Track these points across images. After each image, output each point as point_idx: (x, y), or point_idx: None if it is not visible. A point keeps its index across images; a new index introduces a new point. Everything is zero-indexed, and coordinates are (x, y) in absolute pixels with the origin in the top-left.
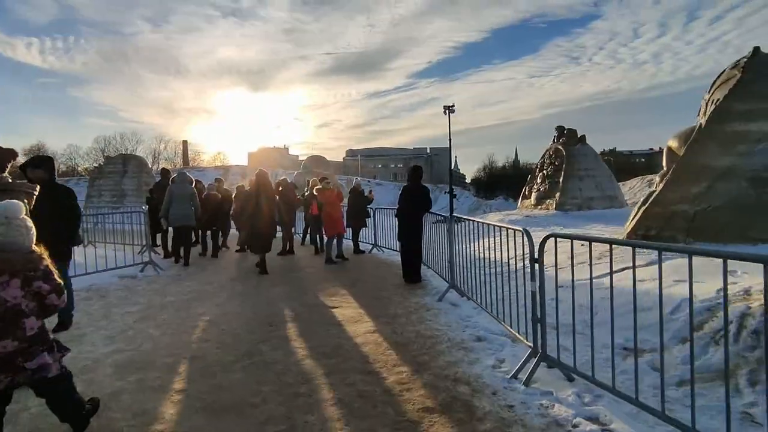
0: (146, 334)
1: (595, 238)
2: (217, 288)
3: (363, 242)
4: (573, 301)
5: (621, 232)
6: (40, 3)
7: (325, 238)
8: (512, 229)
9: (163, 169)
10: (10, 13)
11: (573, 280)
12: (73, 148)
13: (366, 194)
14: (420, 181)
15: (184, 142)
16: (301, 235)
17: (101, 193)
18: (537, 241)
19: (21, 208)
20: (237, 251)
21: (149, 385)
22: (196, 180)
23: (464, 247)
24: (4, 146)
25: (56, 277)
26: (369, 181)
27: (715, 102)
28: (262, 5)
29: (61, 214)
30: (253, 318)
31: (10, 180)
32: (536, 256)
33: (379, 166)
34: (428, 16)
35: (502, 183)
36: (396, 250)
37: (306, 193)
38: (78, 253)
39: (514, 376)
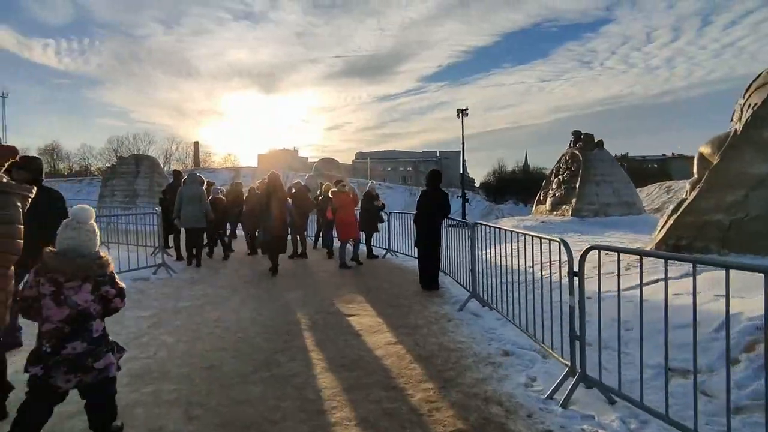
0: (160, 341)
1: (645, 252)
2: (230, 292)
3: (376, 247)
4: (619, 316)
5: (643, 240)
6: (56, 4)
7: (338, 242)
8: (547, 239)
9: (176, 170)
10: (28, 13)
11: (619, 294)
12: (86, 148)
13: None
14: (439, 186)
15: (196, 144)
16: (314, 238)
17: (114, 193)
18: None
19: (91, 213)
20: (248, 254)
21: (165, 398)
22: (208, 181)
23: (485, 254)
24: (17, 146)
25: (119, 281)
26: (380, 184)
27: (752, 106)
28: (274, 9)
29: (47, 219)
30: (269, 325)
31: (4, 180)
32: (575, 268)
33: (389, 169)
34: (439, 20)
35: (512, 187)
36: (411, 256)
37: (319, 196)
38: None
39: (550, 397)
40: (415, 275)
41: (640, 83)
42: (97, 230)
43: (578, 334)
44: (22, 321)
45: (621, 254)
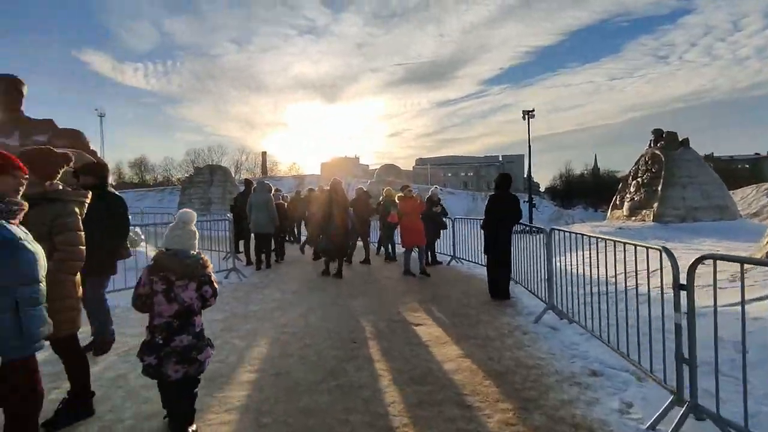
0: (232, 345)
1: None
2: (297, 297)
3: (440, 253)
4: (744, 337)
5: (742, 248)
6: (145, 32)
7: (401, 249)
8: (644, 246)
9: (246, 179)
10: (122, 42)
11: (743, 309)
12: (168, 160)
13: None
14: (509, 190)
15: (263, 153)
16: (377, 244)
17: (191, 200)
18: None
19: (193, 216)
20: (314, 258)
21: (235, 404)
22: (275, 189)
23: (561, 262)
24: (112, 160)
25: (215, 281)
26: (441, 190)
27: None
28: (336, 22)
29: (107, 224)
30: (335, 332)
31: (60, 187)
32: (683, 280)
33: (449, 174)
34: (499, 22)
35: (581, 191)
36: (477, 263)
37: (381, 202)
38: None
39: (653, 428)
40: (483, 283)
41: (725, 76)
42: (197, 232)
43: (687, 356)
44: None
45: (728, 265)
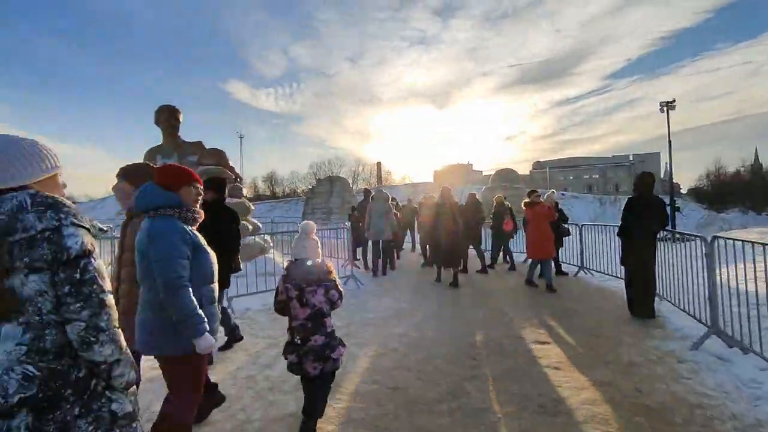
0: (350, 353)
1: None
2: (413, 306)
3: (565, 263)
4: None
5: None
6: (275, 59)
7: (527, 259)
8: None
9: (365, 189)
10: (257, 71)
11: None
12: (294, 174)
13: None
14: (652, 191)
15: (378, 164)
16: (491, 252)
17: (314, 210)
18: None
19: (313, 226)
20: (424, 265)
21: (354, 416)
22: (392, 197)
23: (725, 275)
24: (249, 175)
25: (341, 286)
26: (563, 194)
27: None
28: (446, 30)
29: (221, 238)
30: (453, 346)
31: None
32: None
33: (571, 177)
34: (625, 9)
35: (736, 192)
36: (611, 275)
37: (493, 209)
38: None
39: None
40: (619, 298)
41: None
42: (318, 240)
43: None
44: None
45: None
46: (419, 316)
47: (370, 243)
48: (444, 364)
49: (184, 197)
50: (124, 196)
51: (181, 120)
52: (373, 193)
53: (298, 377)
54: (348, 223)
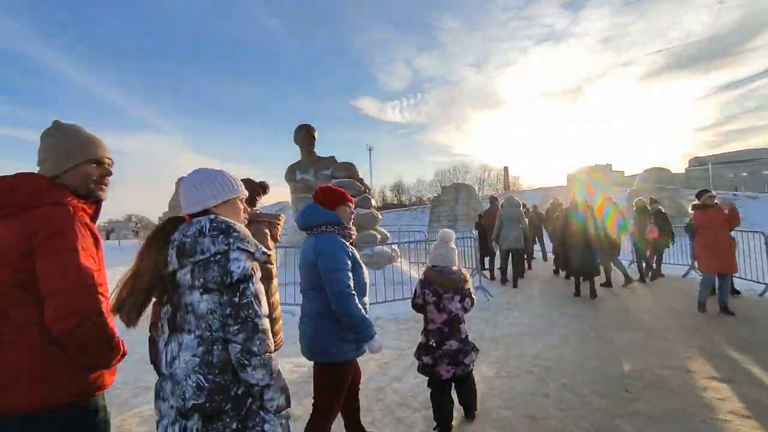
0: (480, 372)
1: None
2: (548, 323)
3: (744, 279)
4: None
5: None
6: (400, 72)
7: (697, 273)
8: None
9: (492, 196)
10: (383, 86)
11: None
12: (420, 182)
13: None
14: None
15: (505, 169)
16: (636, 262)
17: (439, 218)
18: None
19: (453, 235)
20: (555, 273)
21: None
22: (522, 203)
23: None
24: (377, 185)
25: (474, 294)
26: (735, 194)
27: None
28: (577, 22)
29: None
30: (600, 374)
31: (259, 211)
32: None
33: (743, 173)
34: None
35: None
36: None
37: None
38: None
39: None
40: None
41: None
42: (456, 249)
43: None
44: None
45: None
46: (556, 335)
47: (497, 252)
48: (590, 395)
49: (341, 215)
50: None
51: (316, 137)
52: (502, 200)
53: (427, 394)
54: (475, 232)
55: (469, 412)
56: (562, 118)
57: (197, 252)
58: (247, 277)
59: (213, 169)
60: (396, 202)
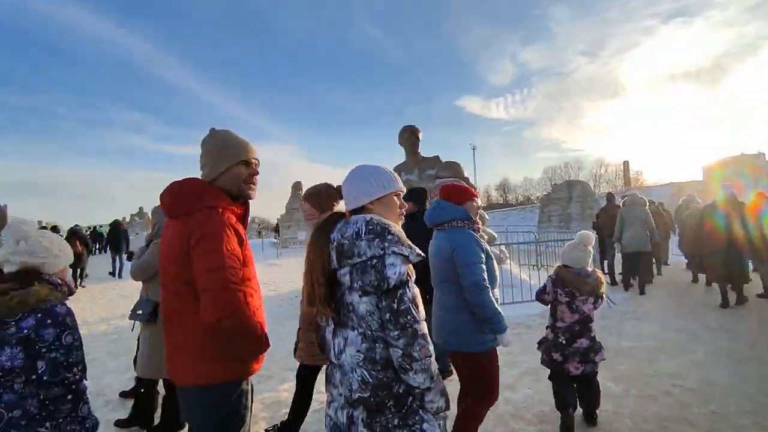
0: (604, 388)
1: None
2: (688, 337)
3: None
4: None
5: None
6: (505, 68)
7: None
8: None
9: (609, 193)
10: (487, 82)
11: None
12: (527, 180)
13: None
14: None
15: (625, 163)
16: None
17: (550, 218)
18: None
19: (593, 238)
20: (703, 281)
21: None
22: (649, 201)
23: None
24: (482, 185)
25: (605, 298)
26: None
27: None
28: None
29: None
30: (760, 402)
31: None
32: None
33: None
34: None
35: None
36: None
37: None
38: (511, 282)
39: None
40: None
41: None
42: (592, 251)
43: None
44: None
45: None
46: (699, 352)
47: (618, 255)
48: (750, 426)
49: (469, 210)
50: (308, 216)
51: (420, 138)
52: (617, 198)
53: (541, 407)
54: (593, 232)
55: (591, 417)
56: (696, 104)
57: (354, 255)
58: (403, 283)
59: (370, 166)
60: (502, 202)
